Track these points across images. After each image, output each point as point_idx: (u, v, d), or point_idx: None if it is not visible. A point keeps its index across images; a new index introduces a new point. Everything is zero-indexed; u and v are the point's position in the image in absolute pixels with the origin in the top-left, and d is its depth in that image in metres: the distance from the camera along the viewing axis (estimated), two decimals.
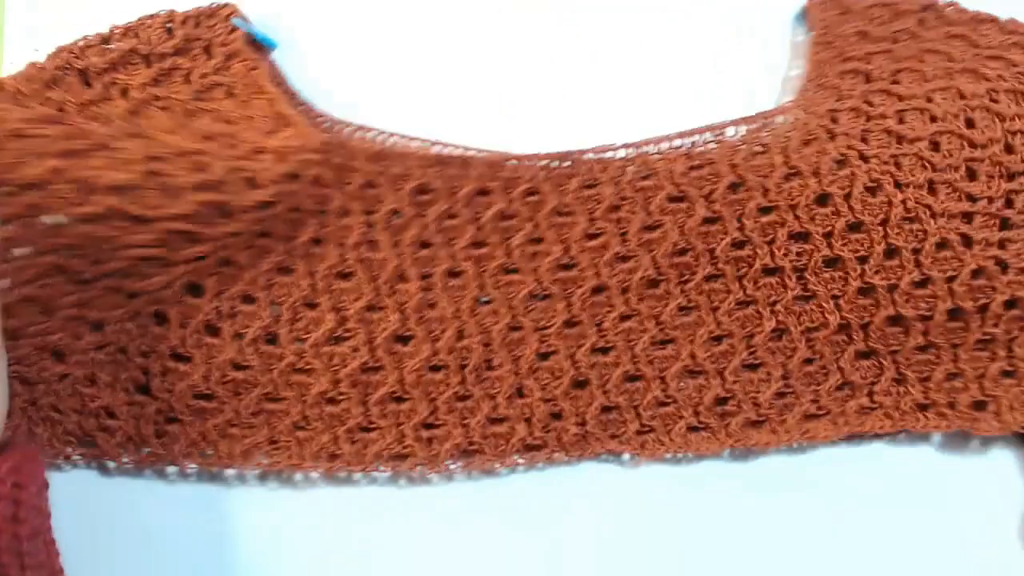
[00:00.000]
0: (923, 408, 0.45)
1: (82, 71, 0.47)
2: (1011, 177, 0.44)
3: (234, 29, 0.48)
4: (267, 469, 0.46)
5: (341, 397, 0.46)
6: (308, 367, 0.45)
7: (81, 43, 0.47)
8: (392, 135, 0.48)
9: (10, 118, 0.41)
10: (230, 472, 0.47)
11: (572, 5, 0.50)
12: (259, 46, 0.50)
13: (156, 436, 0.46)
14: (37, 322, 0.44)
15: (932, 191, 0.44)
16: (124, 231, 0.43)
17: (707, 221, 0.45)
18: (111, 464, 0.47)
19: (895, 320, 0.45)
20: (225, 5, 0.49)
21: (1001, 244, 0.44)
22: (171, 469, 0.46)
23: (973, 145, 0.44)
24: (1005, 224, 0.45)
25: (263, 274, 0.45)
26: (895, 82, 0.45)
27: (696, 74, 0.49)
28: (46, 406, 0.45)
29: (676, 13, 0.50)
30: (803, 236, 0.45)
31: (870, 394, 0.45)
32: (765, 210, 0.45)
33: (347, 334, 0.46)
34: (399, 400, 0.46)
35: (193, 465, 0.46)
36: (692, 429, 0.46)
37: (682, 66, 0.49)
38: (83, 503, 0.47)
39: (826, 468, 0.46)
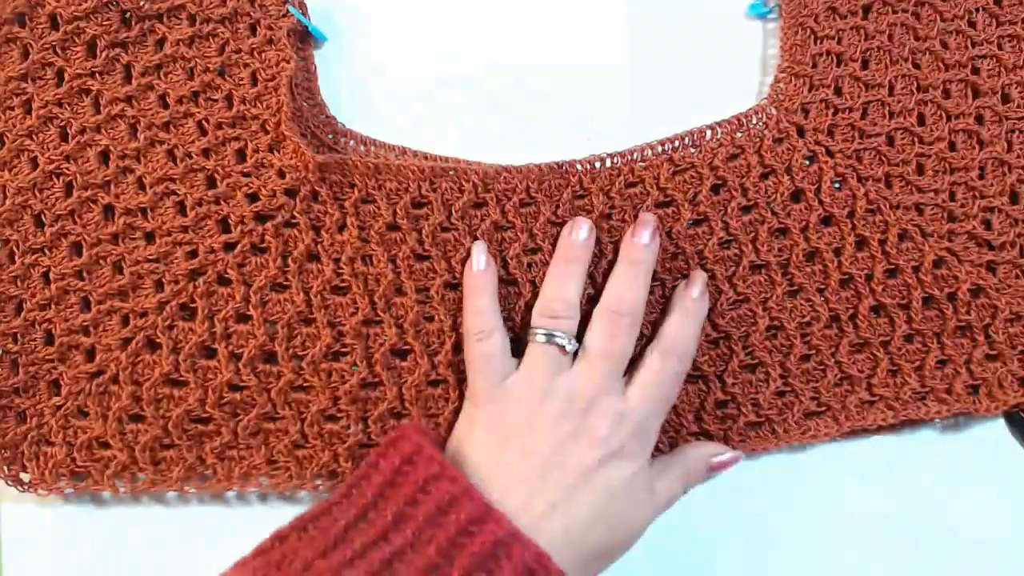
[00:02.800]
0: (922, 396, 0.47)
1: (125, 11, 0.46)
2: (953, 171, 0.48)
3: (286, 14, 0.47)
4: (267, 491, 0.46)
5: (340, 414, 0.46)
6: (307, 384, 0.46)
7: None
8: (392, 148, 0.48)
9: None
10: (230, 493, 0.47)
11: (559, 23, 0.51)
12: (307, 36, 0.49)
13: (152, 463, 0.45)
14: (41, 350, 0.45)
15: (888, 184, 0.47)
16: (134, 247, 0.45)
17: (694, 223, 0.47)
18: (106, 495, 0.46)
19: (879, 310, 0.47)
20: None
21: (949, 236, 0.47)
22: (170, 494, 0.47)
23: (923, 142, 0.48)
24: (951, 217, 0.48)
25: (257, 292, 0.45)
26: (864, 64, 0.48)
27: (680, 72, 0.50)
28: (37, 440, 0.45)
29: (652, 15, 0.51)
30: (783, 231, 0.47)
31: (869, 387, 0.47)
32: (746, 209, 0.47)
33: (345, 349, 0.46)
34: (398, 416, 0.46)
35: (192, 489, 0.46)
36: (693, 436, 0.47)
37: (668, 66, 0.50)
38: (81, 534, 0.47)
39: (825, 467, 0.48)
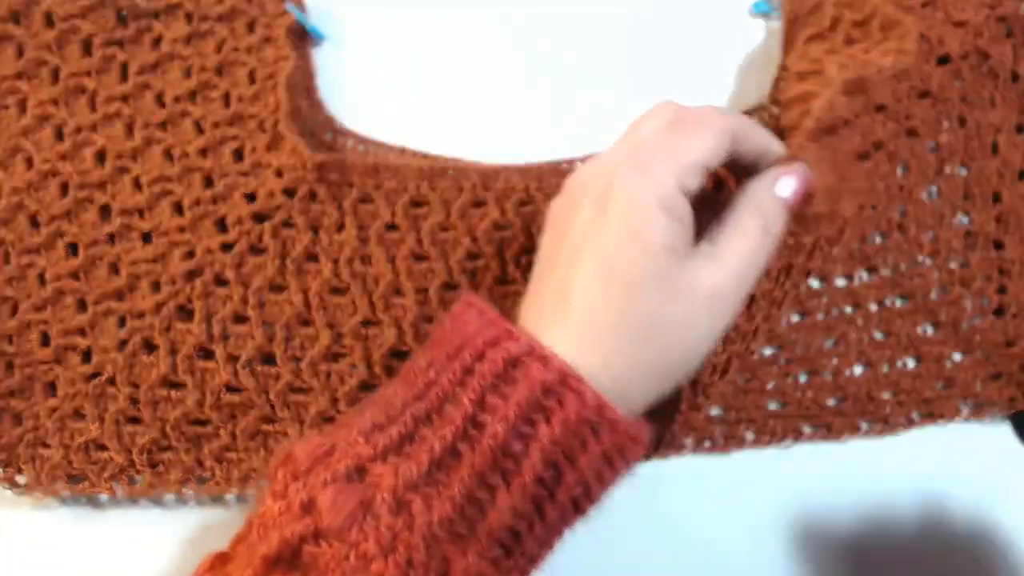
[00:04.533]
0: (931, 401, 0.47)
1: (120, 9, 0.46)
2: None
3: (284, 12, 0.47)
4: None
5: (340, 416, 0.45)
6: (306, 386, 0.45)
7: None
8: (392, 147, 0.48)
9: None
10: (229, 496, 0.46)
11: (560, 22, 0.51)
12: (306, 34, 0.49)
13: (150, 466, 0.45)
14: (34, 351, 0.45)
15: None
16: (130, 248, 0.45)
17: None
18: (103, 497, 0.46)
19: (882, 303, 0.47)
20: None
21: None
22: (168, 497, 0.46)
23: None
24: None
25: (255, 292, 0.45)
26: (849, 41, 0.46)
27: (680, 72, 0.50)
28: (33, 443, 0.45)
29: (653, 15, 0.51)
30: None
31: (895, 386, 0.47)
32: None
33: (343, 350, 0.46)
34: None
35: (190, 492, 0.45)
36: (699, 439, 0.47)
37: (668, 66, 0.50)
38: (78, 536, 0.46)
39: (824, 466, 0.48)
